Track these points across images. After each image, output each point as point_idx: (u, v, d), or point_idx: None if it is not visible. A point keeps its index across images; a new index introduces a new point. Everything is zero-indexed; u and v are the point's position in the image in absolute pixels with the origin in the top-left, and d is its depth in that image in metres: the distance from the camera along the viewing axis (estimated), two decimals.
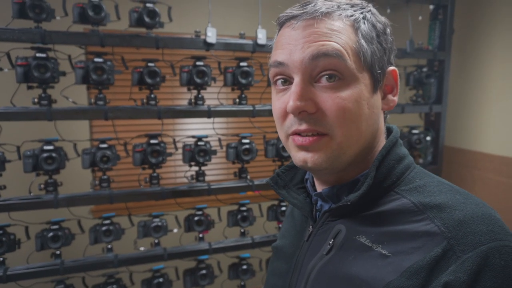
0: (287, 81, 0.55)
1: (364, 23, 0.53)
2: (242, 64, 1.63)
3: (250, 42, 1.61)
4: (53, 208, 1.43)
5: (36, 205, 1.40)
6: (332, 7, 0.52)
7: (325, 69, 0.51)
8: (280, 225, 1.79)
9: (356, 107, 0.51)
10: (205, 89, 1.61)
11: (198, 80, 1.56)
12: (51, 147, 1.42)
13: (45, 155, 1.40)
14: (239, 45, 1.60)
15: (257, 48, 1.61)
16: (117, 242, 1.59)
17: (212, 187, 1.62)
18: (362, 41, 0.52)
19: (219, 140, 1.72)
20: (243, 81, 1.62)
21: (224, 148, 1.70)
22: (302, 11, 0.52)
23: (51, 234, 1.46)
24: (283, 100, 0.55)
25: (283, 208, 1.77)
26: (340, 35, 0.51)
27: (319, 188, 0.62)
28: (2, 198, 1.39)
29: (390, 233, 0.50)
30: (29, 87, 1.39)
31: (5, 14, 1.39)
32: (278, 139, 1.72)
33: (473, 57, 2.27)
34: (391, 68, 0.57)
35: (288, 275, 0.63)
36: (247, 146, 1.67)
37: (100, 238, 1.54)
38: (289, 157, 1.73)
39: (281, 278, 0.65)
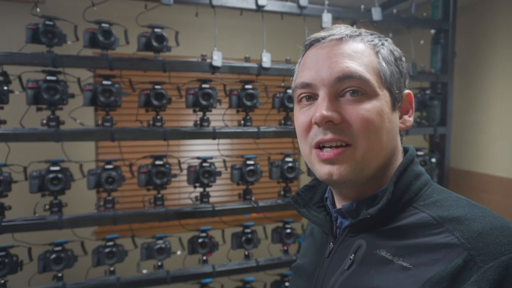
0: (312, 97, 0.59)
1: (383, 48, 0.60)
2: (247, 86, 1.65)
3: (255, 65, 1.64)
4: (57, 229, 1.42)
5: (40, 226, 1.40)
6: (355, 32, 0.60)
7: (350, 86, 0.56)
8: (286, 248, 1.77)
9: (379, 119, 0.56)
10: (210, 111, 1.63)
11: (203, 102, 1.58)
12: (57, 168, 1.43)
13: (51, 175, 1.41)
14: (244, 68, 1.64)
15: (262, 71, 1.65)
16: (120, 265, 1.57)
17: (217, 208, 1.61)
18: (383, 63, 0.58)
19: (224, 161, 1.73)
20: (248, 103, 1.64)
21: (229, 170, 1.70)
22: (330, 33, 0.59)
23: (53, 256, 1.45)
24: (307, 113, 0.59)
25: (288, 231, 1.75)
26: (363, 56, 0.57)
27: (339, 205, 0.64)
28: (6, 219, 1.39)
29: (410, 246, 0.52)
30: (39, 109, 1.42)
31: (18, 40, 1.44)
32: (282, 160, 1.72)
33: (476, 79, 2.29)
34: (407, 91, 0.63)
35: None
36: (251, 167, 1.67)
37: (103, 260, 1.52)
38: (294, 178, 1.73)
39: None
